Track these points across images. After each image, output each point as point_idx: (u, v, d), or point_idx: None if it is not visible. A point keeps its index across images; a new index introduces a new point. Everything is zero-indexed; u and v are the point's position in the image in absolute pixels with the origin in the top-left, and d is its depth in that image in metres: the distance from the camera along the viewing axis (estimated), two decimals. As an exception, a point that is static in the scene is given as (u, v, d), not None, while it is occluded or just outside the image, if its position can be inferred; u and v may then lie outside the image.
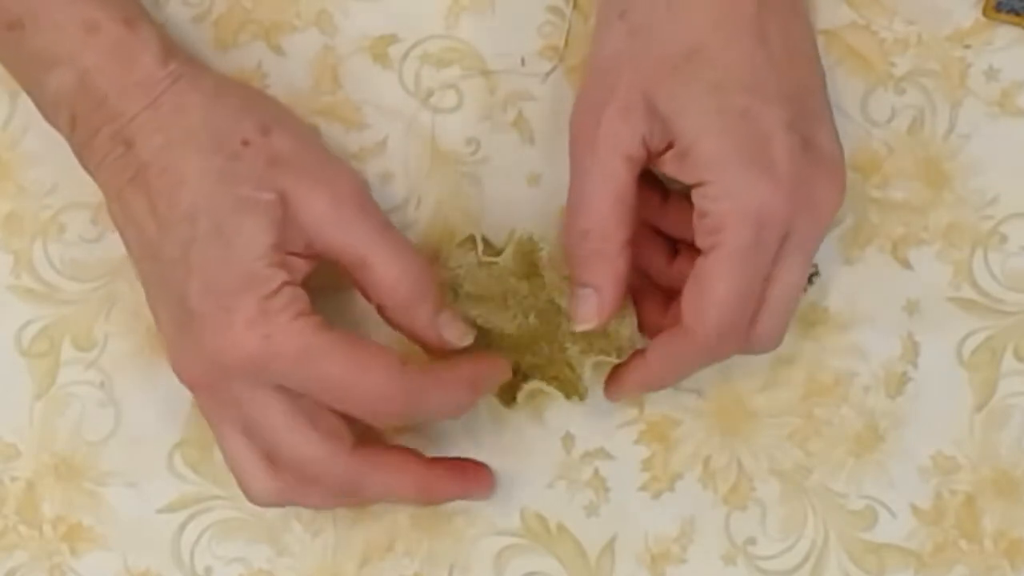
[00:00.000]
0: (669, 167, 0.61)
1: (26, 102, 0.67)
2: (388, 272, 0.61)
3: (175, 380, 0.63)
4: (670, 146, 0.60)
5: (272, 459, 0.61)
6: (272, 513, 0.67)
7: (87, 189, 0.67)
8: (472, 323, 0.64)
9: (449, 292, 0.64)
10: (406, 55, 0.68)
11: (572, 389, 0.64)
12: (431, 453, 0.67)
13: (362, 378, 0.59)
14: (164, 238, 0.59)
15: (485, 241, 0.65)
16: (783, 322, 0.62)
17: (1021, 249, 0.67)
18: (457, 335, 0.62)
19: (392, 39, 0.68)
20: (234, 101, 0.62)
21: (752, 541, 0.67)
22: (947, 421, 0.67)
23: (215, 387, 0.60)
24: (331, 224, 0.60)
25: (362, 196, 0.61)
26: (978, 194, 0.67)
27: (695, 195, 0.60)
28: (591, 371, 0.64)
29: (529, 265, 0.64)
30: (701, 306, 0.60)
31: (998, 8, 0.67)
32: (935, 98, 0.68)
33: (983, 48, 0.68)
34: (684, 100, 0.60)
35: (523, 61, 0.68)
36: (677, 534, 0.67)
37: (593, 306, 0.62)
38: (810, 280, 0.64)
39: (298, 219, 0.60)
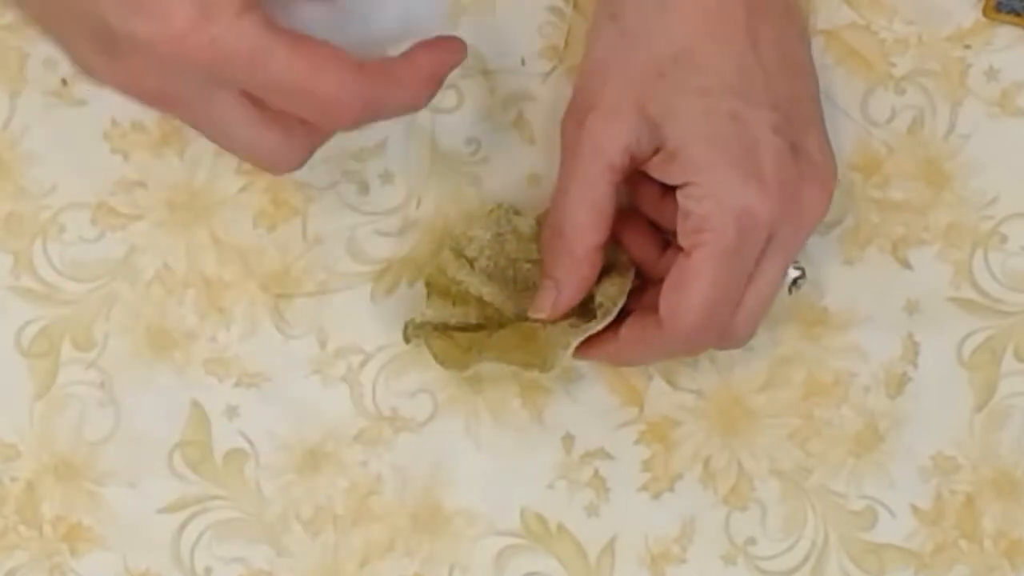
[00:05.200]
0: (657, 170, 0.61)
1: (26, 102, 0.67)
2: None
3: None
4: (658, 150, 0.61)
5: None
6: (272, 513, 0.67)
7: (87, 189, 0.67)
8: (479, 300, 0.65)
9: (464, 264, 0.65)
10: (406, 55, 0.68)
11: (534, 363, 0.64)
12: (426, 453, 0.67)
13: (318, 79, 0.54)
14: None
15: (514, 211, 0.66)
16: (755, 321, 0.62)
17: (1021, 249, 0.67)
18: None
19: (392, 39, 0.68)
20: None
21: (752, 541, 0.67)
22: (947, 421, 0.67)
23: (170, 97, 0.55)
24: None
25: None
26: (978, 194, 0.67)
27: (680, 195, 0.60)
28: (590, 368, 0.64)
29: None
30: (679, 303, 0.60)
31: (998, 8, 0.67)
32: (935, 98, 0.68)
33: (983, 48, 0.68)
34: (672, 104, 0.60)
35: (523, 61, 0.68)
36: (677, 534, 0.67)
37: (550, 299, 0.63)
38: (795, 283, 0.64)
39: None
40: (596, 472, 0.67)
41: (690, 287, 0.60)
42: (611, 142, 0.61)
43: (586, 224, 0.61)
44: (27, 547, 0.67)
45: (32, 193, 0.68)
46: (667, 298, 0.61)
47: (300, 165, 0.58)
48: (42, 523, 0.67)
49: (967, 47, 0.68)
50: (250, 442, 0.67)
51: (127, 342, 0.67)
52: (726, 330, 0.62)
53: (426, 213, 0.68)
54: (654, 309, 0.61)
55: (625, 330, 0.63)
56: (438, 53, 0.58)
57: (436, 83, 0.57)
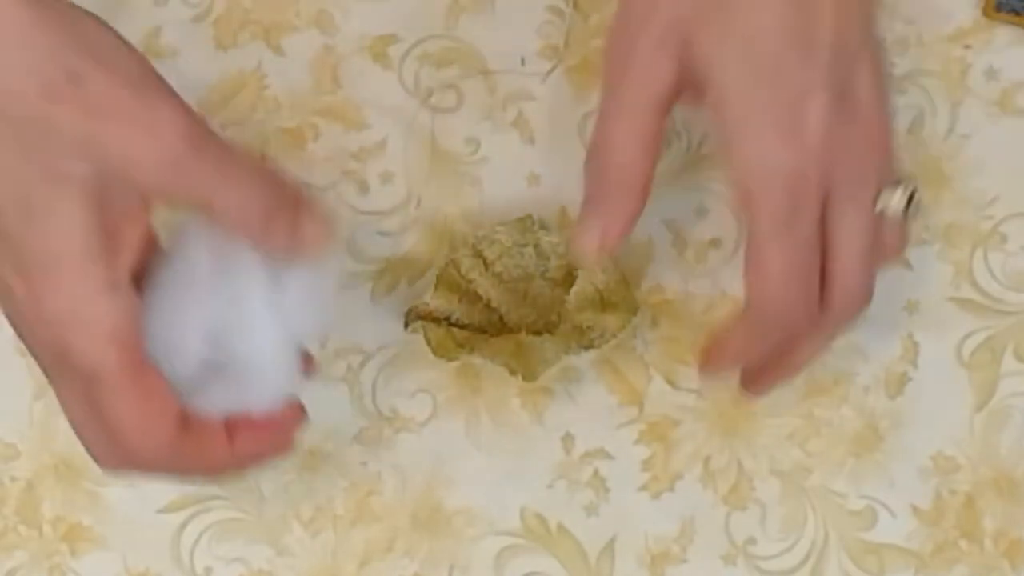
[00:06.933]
0: (706, 110, 0.59)
1: (26, 102, 0.67)
2: (234, 213, 0.55)
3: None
4: (699, 90, 0.58)
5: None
6: (272, 513, 0.67)
7: (87, 189, 0.67)
8: (486, 304, 0.65)
9: (479, 264, 0.65)
10: (406, 55, 0.68)
11: (519, 370, 0.64)
12: (426, 453, 0.67)
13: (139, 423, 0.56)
14: None
15: (541, 225, 0.66)
16: (865, 276, 0.59)
17: (1021, 249, 0.67)
18: (316, 235, 0.57)
19: (392, 39, 0.68)
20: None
21: (752, 541, 0.67)
22: (947, 421, 0.67)
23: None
24: (162, 174, 0.54)
25: (193, 136, 0.54)
26: (978, 194, 0.68)
27: (728, 163, 0.58)
28: (590, 368, 0.64)
29: (572, 267, 0.65)
30: (758, 280, 0.58)
31: (998, 8, 0.67)
32: (935, 98, 0.68)
33: (983, 48, 0.68)
34: (719, 47, 0.57)
35: (523, 61, 0.68)
36: (677, 534, 0.67)
37: (596, 237, 0.60)
38: (910, 204, 0.59)
39: (125, 175, 0.54)
40: (596, 472, 0.67)
41: (762, 260, 0.57)
42: (660, 70, 0.58)
43: (637, 156, 0.59)
44: (27, 547, 0.67)
45: (32, 193, 0.68)
46: (748, 279, 0.58)
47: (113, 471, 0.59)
48: (42, 523, 0.67)
49: (967, 47, 0.68)
50: (250, 442, 0.67)
51: (127, 342, 0.67)
52: (829, 302, 0.59)
53: (426, 213, 0.68)
54: None
55: (730, 330, 0.61)
56: (266, 437, 0.58)
57: (247, 465, 0.59)
